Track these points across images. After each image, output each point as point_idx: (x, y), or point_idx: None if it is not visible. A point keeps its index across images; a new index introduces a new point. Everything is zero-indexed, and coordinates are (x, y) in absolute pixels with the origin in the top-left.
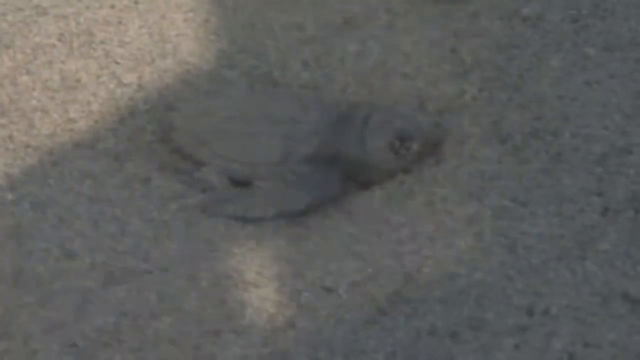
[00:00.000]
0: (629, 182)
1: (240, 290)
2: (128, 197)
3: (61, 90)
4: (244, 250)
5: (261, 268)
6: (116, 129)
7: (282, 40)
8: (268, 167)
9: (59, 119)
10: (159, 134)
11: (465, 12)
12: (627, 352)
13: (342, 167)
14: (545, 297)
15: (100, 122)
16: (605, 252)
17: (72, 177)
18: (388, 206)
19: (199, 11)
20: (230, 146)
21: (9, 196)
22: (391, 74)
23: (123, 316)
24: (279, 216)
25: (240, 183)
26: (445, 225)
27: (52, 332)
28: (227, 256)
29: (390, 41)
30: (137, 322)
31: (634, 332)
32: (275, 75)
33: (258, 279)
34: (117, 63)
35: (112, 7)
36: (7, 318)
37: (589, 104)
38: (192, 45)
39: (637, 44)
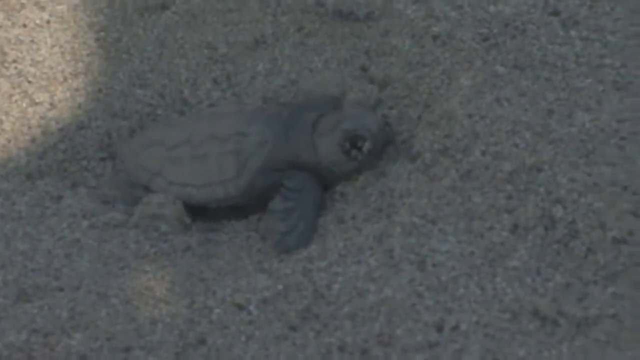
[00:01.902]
0: (538, 199)
1: (151, 307)
2: (40, 215)
3: None
4: (155, 268)
5: (172, 285)
6: (28, 148)
7: (192, 59)
8: (223, 186)
9: None
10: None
11: (375, 31)
12: None
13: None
14: (455, 313)
15: (12, 141)
16: (515, 268)
17: None
18: None
19: (111, 30)
20: (182, 172)
21: None
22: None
23: (34, 333)
24: None
25: (196, 208)
26: (355, 242)
27: None
28: (138, 273)
29: (301, 60)
30: (48, 339)
31: (543, 348)
32: (186, 94)
33: (169, 296)
34: (29, 82)
35: (24, 26)
36: None
37: (499, 122)
38: (104, 64)
39: (547, 63)
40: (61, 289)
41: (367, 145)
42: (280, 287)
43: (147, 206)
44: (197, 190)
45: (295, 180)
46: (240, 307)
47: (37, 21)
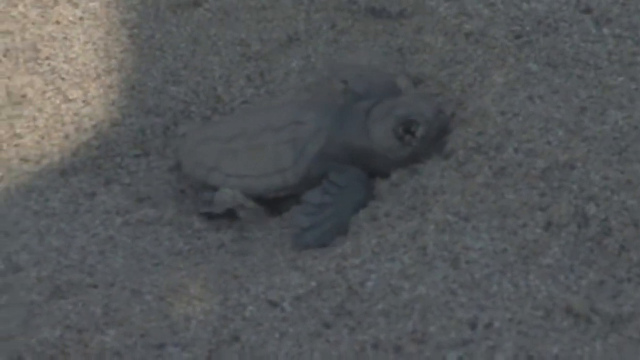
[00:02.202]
0: (572, 197)
1: (185, 304)
2: (74, 212)
3: (7, 106)
4: (189, 265)
5: (206, 282)
6: (62, 145)
7: (226, 57)
8: (282, 175)
9: (5, 135)
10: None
11: (408, 28)
12: None
13: (351, 164)
14: (488, 311)
15: (46, 138)
16: (549, 266)
17: (19, 192)
18: None
19: (144, 28)
20: (239, 164)
21: None
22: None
23: (68, 330)
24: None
25: (256, 198)
26: (389, 239)
27: None
28: (172, 270)
29: (334, 57)
30: (83, 336)
31: (577, 346)
32: (219, 91)
33: (203, 293)
34: (63, 79)
35: (58, 23)
36: None
37: (532, 120)
38: (137, 61)
39: (580, 60)
40: (95, 286)
41: (420, 131)
42: (314, 284)
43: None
44: (255, 180)
45: (343, 175)
46: (274, 305)
47: (71, 18)
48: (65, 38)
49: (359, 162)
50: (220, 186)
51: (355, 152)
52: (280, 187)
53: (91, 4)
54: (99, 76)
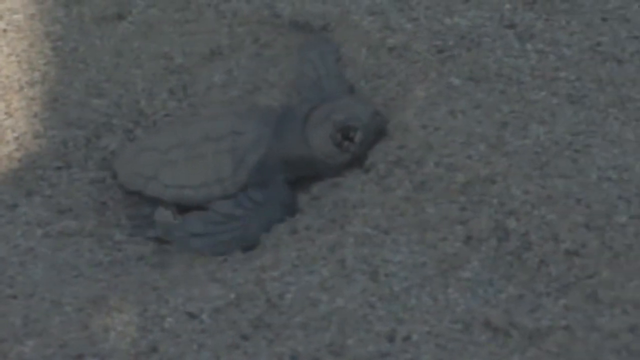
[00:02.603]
0: (492, 211)
1: (104, 315)
2: None
3: None
4: (108, 276)
5: (125, 293)
6: None
7: (148, 70)
8: (221, 185)
9: None
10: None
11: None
12: None
13: (291, 171)
14: (406, 323)
15: None
16: (468, 279)
17: None
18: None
19: (67, 40)
20: (178, 174)
21: None
22: (258, 104)
23: None
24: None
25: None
26: (308, 252)
27: None
28: (91, 282)
29: (257, 71)
30: (1, 346)
31: (495, 359)
32: (142, 104)
33: (122, 304)
34: None
35: None
36: None
37: (453, 134)
38: (61, 73)
39: (502, 75)
40: (15, 297)
41: (358, 136)
42: (232, 296)
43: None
44: (194, 190)
45: (263, 192)
46: (192, 316)
47: None
48: None
49: (298, 169)
50: (159, 196)
51: (295, 160)
52: (219, 196)
53: (15, 16)
54: (21, 88)
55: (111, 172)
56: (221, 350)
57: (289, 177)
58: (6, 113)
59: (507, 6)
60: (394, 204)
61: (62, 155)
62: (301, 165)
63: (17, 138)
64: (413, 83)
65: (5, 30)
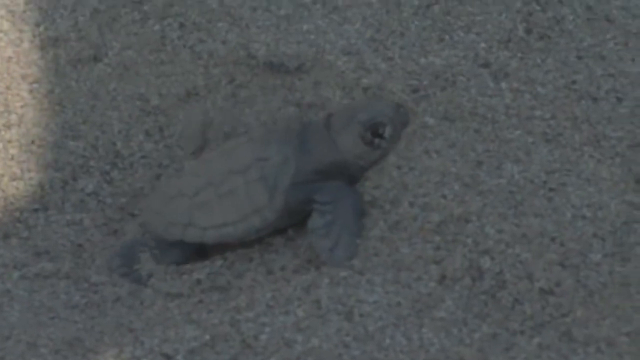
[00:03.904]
0: (466, 250)
1: (80, 357)
2: None
3: None
4: (84, 318)
5: (101, 335)
6: None
7: (125, 111)
8: (260, 215)
9: None
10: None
11: (307, 82)
12: None
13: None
14: None
15: None
16: (442, 319)
17: None
18: (228, 274)
19: (44, 82)
20: (214, 214)
21: None
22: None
23: None
24: None
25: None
26: (283, 292)
27: None
28: (67, 323)
29: (233, 111)
30: None
31: None
32: (119, 145)
33: (98, 346)
34: None
35: None
36: None
37: (428, 173)
38: (37, 115)
39: (477, 114)
40: None
41: (388, 131)
42: (207, 337)
43: None
44: (233, 227)
45: (326, 192)
46: (167, 357)
47: None
48: None
49: (332, 177)
50: (200, 241)
51: (327, 168)
52: (260, 226)
53: None
54: None
55: (141, 227)
56: None
57: None
58: None
59: (482, 45)
60: (369, 244)
61: (39, 198)
62: (334, 172)
63: None
64: None
65: None
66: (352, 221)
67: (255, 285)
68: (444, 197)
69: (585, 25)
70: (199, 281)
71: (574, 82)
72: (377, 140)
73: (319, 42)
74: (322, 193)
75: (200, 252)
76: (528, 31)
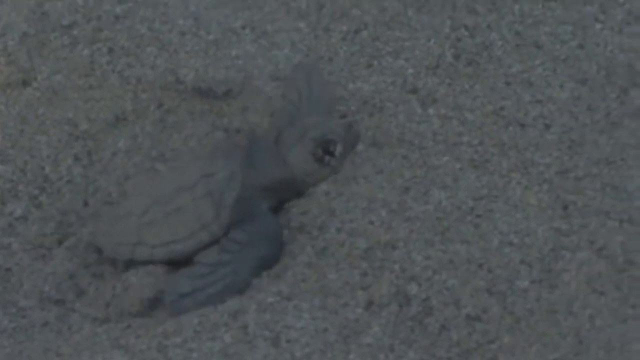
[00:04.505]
0: (393, 276)
1: None
2: None
3: None
4: (12, 342)
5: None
6: None
7: (53, 136)
8: (207, 231)
9: None
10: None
11: (234, 108)
12: None
13: (271, 197)
14: None
15: None
16: (369, 345)
17: None
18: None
19: None
20: (162, 232)
21: None
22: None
23: None
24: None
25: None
26: (210, 318)
27: None
28: None
29: (161, 136)
30: None
31: None
32: (47, 170)
33: None
34: None
35: None
36: None
37: (355, 199)
38: None
39: (405, 141)
40: None
41: (339, 149)
42: None
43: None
44: (182, 244)
45: (245, 231)
46: None
47: None
48: None
49: (278, 193)
50: (149, 259)
51: (275, 185)
52: (208, 242)
53: None
54: None
55: (94, 247)
56: None
57: (271, 205)
58: None
59: (410, 71)
60: (296, 270)
61: None
62: (281, 189)
63: None
64: None
65: None
66: (243, 273)
67: None
68: (372, 223)
69: (513, 52)
70: None
71: (501, 108)
72: (327, 158)
73: (247, 67)
74: (239, 232)
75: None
76: (456, 57)
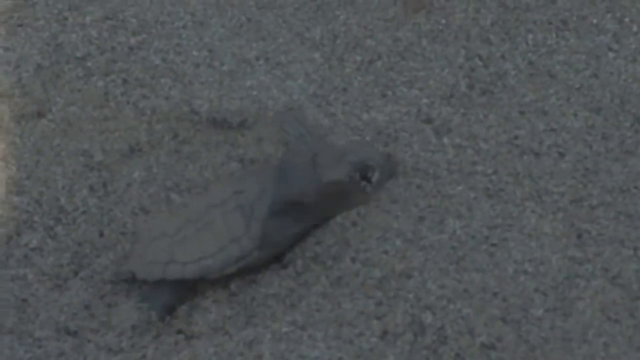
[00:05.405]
0: (408, 306)
1: None
2: None
3: None
4: None
5: None
6: None
7: (69, 167)
8: (238, 244)
9: None
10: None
11: (249, 138)
12: None
13: (302, 218)
14: None
15: None
16: None
17: None
18: (170, 327)
19: None
20: (193, 249)
21: None
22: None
23: None
24: None
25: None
26: (226, 348)
27: None
28: None
29: (176, 167)
30: None
31: None
32: (62, 201)
33: None
34: None
35: None
36: None
37: (370, 229)
38: None
39: (419, 170)
40: None
41: (376, 176)
42: None
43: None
44: (212, 259)
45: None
46: None
47: None
48: None
49: (310, 211)
50: (181, 277)
51: (307, 203)
52: (238, 256)
53: None
54: None
55: (126, 274)
56: None
57: (303, 227)
58: None
59: (425, 101)
60: (311, 299)
61: None
62: (313, 209)
63: None
64: None
65: None
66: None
67: (199, 339)
68: (386, 252)
69: (527, 81)
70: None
71: (516, 137)
72: (364, 183)
73: (261, 98)
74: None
75: (186, 296)
76: (470, 86)
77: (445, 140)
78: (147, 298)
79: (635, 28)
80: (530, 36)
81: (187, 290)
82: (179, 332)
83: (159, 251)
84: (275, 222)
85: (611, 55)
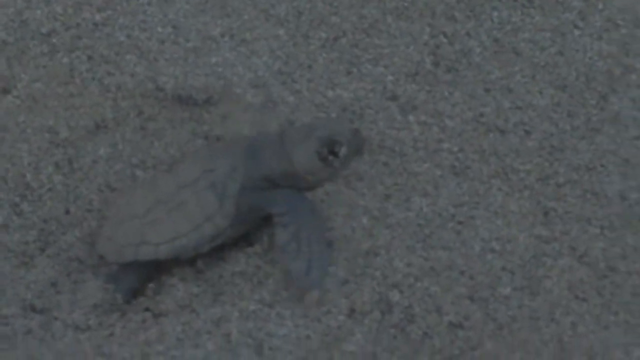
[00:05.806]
0: (375, 284)
1: None
2: None
3: None
4: None
5: None
6: None
7: (34, 144)
8: (211, 222)
9: None
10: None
11: (215, 115)
12: None
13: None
14: None
15: None
16: (352, 353)
17: None
18: (138, 305)
19: None
20: (165, 229)
21: None
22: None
23: None
24: None
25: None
26: (193, 326)
27: None
28: None
29: (141, 144)
30: None
31: None
32: (28, 178)
33: None
34: None
35: None
36: None
37: (336, 206)
38: None
39: (385, 147)
40: None
41: (343, 150)
42: None
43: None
44: (186, 238)
45: (279, 202)
46: None
47: None
48: None
49: (280, 187)
50: (154, 257)
51: (277, 177)
52: (213, 234)
53: None
54: None
55: (96, 256)
56: None
57: None
58: None
59: (390, 78)
60: (278, 277)
61: None
62: (283, 183)
63: None
64: None
65: None
66: (316, 226)
67: (165, 318)
68: (353, 230)
69: (492, 58)
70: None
71: (481, 114)
72: (331, 158)
73: (226, 74)
74: (276, 204)
75: (153, 276)
76: (435, 64)
77: (411, 117)
78: (115, 279)
79: (600, 5)
80: (495, 13)
81: (155, 271)
82: (146, 309)
83: (129, 233)
84: (248, 197)
85: (576, 32)
